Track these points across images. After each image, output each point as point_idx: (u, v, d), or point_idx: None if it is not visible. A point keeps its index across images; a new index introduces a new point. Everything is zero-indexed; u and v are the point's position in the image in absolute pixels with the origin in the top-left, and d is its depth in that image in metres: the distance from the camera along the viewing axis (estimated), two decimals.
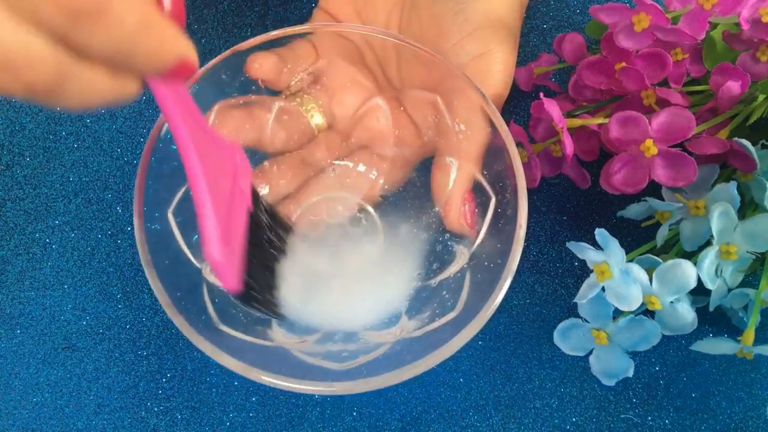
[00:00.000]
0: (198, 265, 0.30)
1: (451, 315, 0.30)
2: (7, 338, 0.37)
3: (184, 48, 0.20)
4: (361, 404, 0.36)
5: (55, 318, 0.37)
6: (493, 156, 0.31)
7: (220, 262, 0.25)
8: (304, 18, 0.43)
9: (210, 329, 0.27)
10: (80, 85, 0.18)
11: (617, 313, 0.33)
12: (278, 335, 0.31)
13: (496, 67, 0.33)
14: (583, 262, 0.34)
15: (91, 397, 0.36)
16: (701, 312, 0.34)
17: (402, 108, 0.35)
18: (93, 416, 0.35)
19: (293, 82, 0.34)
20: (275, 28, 0.32)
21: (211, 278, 0.31)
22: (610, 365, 0.34)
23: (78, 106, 0.19)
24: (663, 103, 0.33)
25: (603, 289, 0.32)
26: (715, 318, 0.36)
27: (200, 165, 0.24)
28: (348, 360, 0.29)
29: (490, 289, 0.27)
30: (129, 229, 0.39)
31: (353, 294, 0.32)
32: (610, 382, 0.35)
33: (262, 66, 0.32)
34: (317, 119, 0.36)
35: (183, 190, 0.31)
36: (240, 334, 0.29)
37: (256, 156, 0.35)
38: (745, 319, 0.33)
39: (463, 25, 0.33)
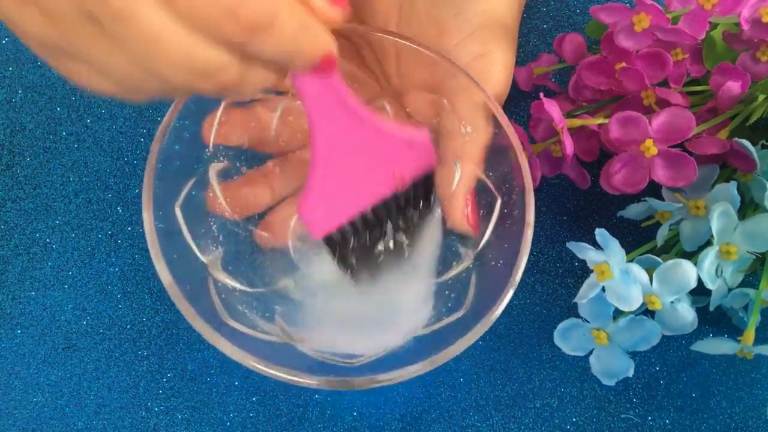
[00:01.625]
0: (204, 260, 0.30)
1: (457, 315, 0.30)
2: (7, 338, 0.37)
3: (330, 43, 0.23)
4: (361, 404, 0.36)
5: (55, 318, 0.37)
6: (498, 156, 0.31)
7: (304, 214, 0.30)
8: None
9: (217, 324, 0.28)
10: (253, 80, 0.22)
11: (617, 313, 0.33)
12: (283, 331, 0.31)
13: (495, 68, 0.33)
14: (583, 262, 0.34)
15: (91, 397, 0.36)
16: (701, 312, 0.34)
17: (405, 109, 0.35)
18: (93, 416, 0.35)
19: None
20: None
21: (217, 273, 0.31)
22: (611, 365, 0.34)
23: (248, 95, 0.25)
24: (663, 103, 0.33)
25: (603, 289, 0.32)
26: (715, 318, 0.36)
27: (325, 144, 0.28)
28: (353, 357, 0.29)
29: (498, 289, 0.27)
30: (129, 229, 0.39)
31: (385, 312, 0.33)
32: (611, 382, 0.35)
33: None
34: None
35: (190, 184, 0.31)
36: (246, 329, 0.29)
37: (260, 156, 0.35)
38: (745, 319, 0.33)
39: (463, 26, 0.33)
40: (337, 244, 0.31)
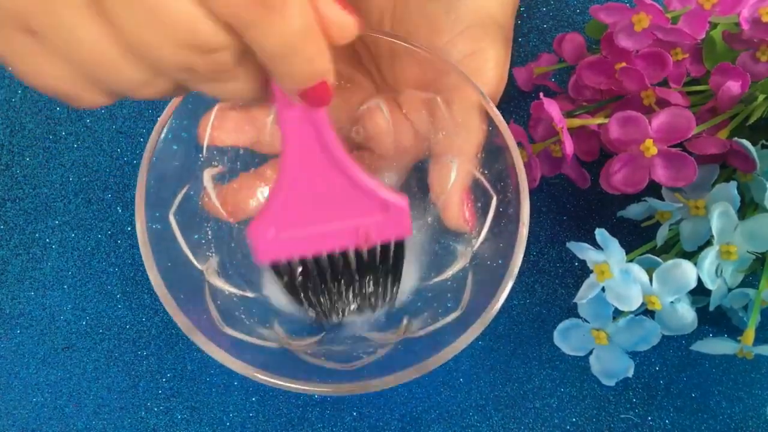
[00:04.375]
0: (199, 266, 0.30)
1: (454, 315, 0.30)
2: (7, 338, 0.37)
3: (327, 71, 0.21)
4: (361, 404, 0.36)
5: (55, 318, 0.37)
6: (493, 155, 0.31)
7: (253, 236, 0.28)
8: None
9: (212, 331, 0.27)
10: (237, 80, 0.21)
11: (617, 313, 0.33)
12: (281, 336, 0.31)
13: (488, 65, 0.33)
14: (583, 262, 0.34)
15: (91, 397, 0.36)
16: (701, 312, 0.34)
17: (399, 108, 0.35)
18: (93, 416, 0.35)
19: None
20: None
21: (213, 279, 0.31)
22: (610, 365, 0.34)
23: (225, 98, 0.22)
24: (663, 103, 0.33)
25: (603, 289, 0.32)
26: (715, 318, 0.36)
27: (293, 173, 0.26)
28: (351, 360, 0.29)
29: (494, 288, 0.27)
30: (129, 229, 0.39)
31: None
32: (610, 382, 0.35)
33: None
34: None
35: (184, 191, 0.31)
36: (243, 335, 0.29)
37: (256, 158, 0.35)
38: (745, 319, 0.33)
39: (455, 24, 0.33)
40: (284, 274, 0.30)
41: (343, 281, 0.31)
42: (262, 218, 0.27)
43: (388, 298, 0.33)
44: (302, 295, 0.31)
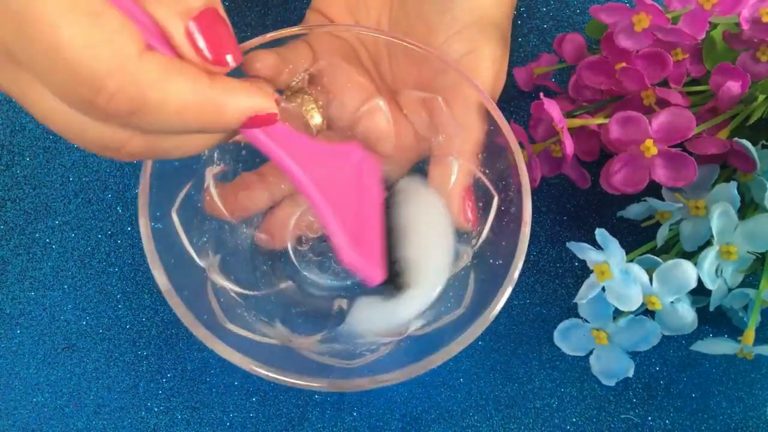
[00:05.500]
0: (202, 264, 0.30)
1: (456, 313, 0.30)
2: (7, 338, 0.37)
3: (249, 105, 0.21)
4: (361, 404, 0.36)
5: (55, 318, 0.37)
6: (494, 154, 0.31)
7: (358, 265, 0.27)
8: (304, 19, 0.43)
9: (216, 328, 0.28)
10: (174, 143, 0.21)
11: (617, 314, 0.33)
12: (283, 333, 0.31)
13: (484, 65, 0.33)
14: (583, 262, 0.34)
15: (91, 397, 0.36)
16: (701, 312, 0.34)
17: (400, 108, 0.35)
18: (93, 416, 0.35)
19: (293, 83, 0.34)
20: (275, 28, 0.32)
21: (215, 277, 0.31)
22: (611, 365, 0.34)
23: (186, 155, 0.22)
24: (663, 103, 0.33)
25: (603, 289, 0.32)
26: (715, 318, 0.36)
27: (314, 185, 0.26)
28: (353, 358, 0.29)
29: (495, 288, 0.27)
30: (129, 229, 0.39)
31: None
32: (611, 382, 0.35)
33: (263, 63, 0.32)
34: (316, 120, 0.36)
35: (185, 190, 0.31)
36: (246, 332, 0.29)
37: (257, 157, 0.35)
38: (745, 319, 0.33)
39: (451, 24, 0.33)
40: (397, 275, 0.30)
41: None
42: (341, 245, 0.27)
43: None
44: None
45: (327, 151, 0.27)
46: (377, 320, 0.32)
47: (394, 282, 0.30)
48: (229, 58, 0.20)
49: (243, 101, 0.21)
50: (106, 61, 0.18)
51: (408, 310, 0.31)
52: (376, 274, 0.28)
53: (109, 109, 0.18)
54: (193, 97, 0.19)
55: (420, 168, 0.35)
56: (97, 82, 0.18)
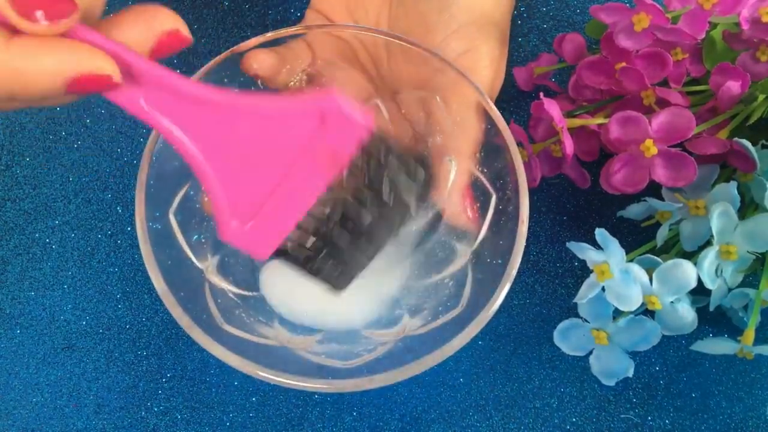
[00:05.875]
0: (200, 265, 0.30)
1: (454, 312, 0.30)
2: (7, 338, 0.37)
3: (66, 66, 0.19)
4: (361, 404, 0.36)
5: (55, 318, 0.37)
6: (493, 153, 0.31)
7: (236, 242, 0.25)
8: (303, 18, 0.43)
9: (213, 329, 0.28)
10: None
11: (617, 313, 0.33)
12: (281, 334, 0.31)
13: (482, 64, 0.33)
14: (583, 262, 0.34)
15: (91, 397, 0.36)
16: (701, 312, 0.34)
17: (398, 107, 0.35)
18: (93, 416, 0.35)
19: (292, 82, 0.34)
20: (275, 28, 0.32)
21: (213, 278, 0.31)
22: (610, 365, 0.34)
23: (25, 105, 0.21)
24: (663, 103, 0.33)
25: (603, 289, 0.32)
26: (715, 318, 0.36)
27: (199, 150, 0.23)
28: (351, 358, 0.29)
29: (493, 286, 0.27)
30: (129, 229, 0.39)
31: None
32: (610, 382, 0.35)
33: (261, 63, 0.32)
34: None
35: (184, 190, 0.31)
36: (243, 334, 0.29)
37: None
38: (745, 319, 0.33)
39: (449, 22, 0.33)
40: (298, 255, 0.26)
41: (361, 212, 0.26)
42: (221, 219, 0.25)
43: (421, 194, 0.27)
44: (323, 264, 0.27)
45: (261, 107, 0.23)
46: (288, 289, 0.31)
47: (308, 263, 0.27)
48: (39, 14, 0.18)
49: (51, 63, 0.19)
50: None
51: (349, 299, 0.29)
52: (262, 252, 0.25)
53: None
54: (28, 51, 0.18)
55: None
56: None
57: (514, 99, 0.41)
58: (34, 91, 0.19)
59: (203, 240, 0.32)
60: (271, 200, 0.25)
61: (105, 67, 0.20)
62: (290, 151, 0.24)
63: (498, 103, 0.34)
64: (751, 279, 0.34)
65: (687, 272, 0.31)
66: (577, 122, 0.34)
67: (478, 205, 0.32)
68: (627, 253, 0.32)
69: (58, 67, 0.19)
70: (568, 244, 0.33)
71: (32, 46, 0.19)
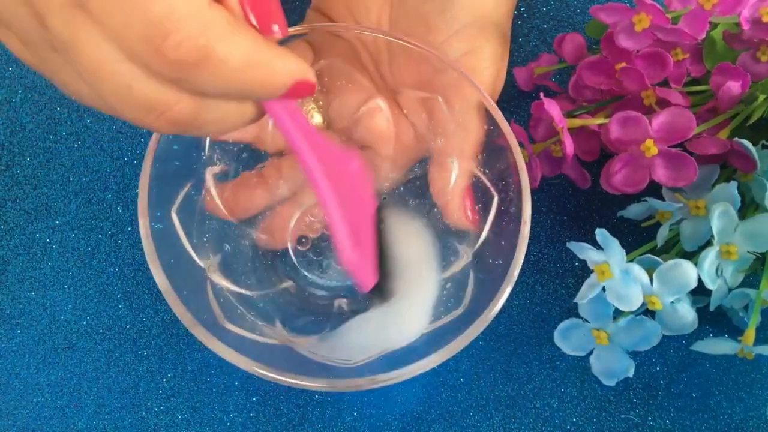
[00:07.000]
0: (201, 264, 0.30)
1: (456, 313, 0.30)
2: (7, 338, 0.37)
3: (297, 70, 0.21)
4: (361, 404, 0.36)
5: (55, 318, 0.37)
6: (494, 154, 0.31)
7: (356, 265, 0.27)
8: (304, 18, 0.43)
9: (215, 327, 0.28)
10: (215, 115, 0.20)
11: (617, 313, 0.33)
12: (282, 333, 0.31)
13: (483, 64, 0.33)
14: (583, 262, 0.34)
15: (91, 397, 0.36)
16: (701, 312, 0.34)
17: (400, 108, 0.35)
18: (93, 416, 0.35)
19: None
20: None
21: (215, 277, 0.31)
22: (611, 365, 0.34)
23: (218, 133, 0.22)
24: (663, 103, 0.33)
25: (603, 289, 0.32)
26: (715, 318, 0.36)
27: (324, 176, 0.25)
28: (352, 358, 0.29)
29: (495, 287, 0.27)
30: (129, 229, 0.39)
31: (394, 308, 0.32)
32: (611, 382, 0.35)
33: None
34: (316, 120, 0.36)
35: (185, 189, 0.31)
36: (245, 332, 0.29)
37: (257, 157, 0.35)
38: (745, 319, 0.33)
39: (451, 23, 0.33)
40: (382, 284, 0.29)
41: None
42: (343, 248, 0.26)
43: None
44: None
45: (333, 148, 0.26)
46: (372, 335, 0.31)
47: (380, 289, 0.30)
48: (275, 27, 0.20)
49: (292, 66, 0.20)
50: (181, 5, 0.17)
51: (402, 317, 0.31)
52: (369, 278, 0.28)
53: (173, 57, 0.17)
54: (254, 56, 0.19)
55: (420, 167, 0.35)
56: (168, 25, 0.17)
57: (514, 99, 0.41)
58: (273, 89, 0.20)
59: (205, 239, 0.32)
60: (358, 231, 0.27)
61: (314, 76, 0.21)
62: (349, 188, 0.26)
63: (498, 103, 0.34)
64: (751, 279, 0.34)
65: (687, 272, 0.31)
66: (577, 122, 0.34)
67: (480, 206, 0.32)
68: (627, 253, 0.32)
69: (295, 68, 0.20)
70: (568, 244, 0.33)
71: (281, 48, 0.20)
